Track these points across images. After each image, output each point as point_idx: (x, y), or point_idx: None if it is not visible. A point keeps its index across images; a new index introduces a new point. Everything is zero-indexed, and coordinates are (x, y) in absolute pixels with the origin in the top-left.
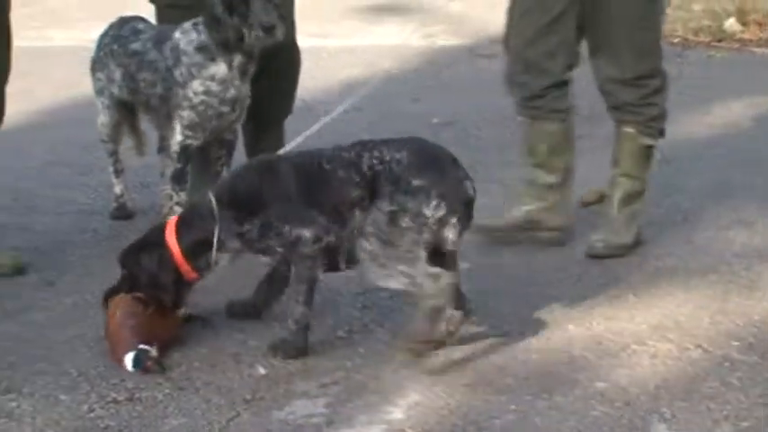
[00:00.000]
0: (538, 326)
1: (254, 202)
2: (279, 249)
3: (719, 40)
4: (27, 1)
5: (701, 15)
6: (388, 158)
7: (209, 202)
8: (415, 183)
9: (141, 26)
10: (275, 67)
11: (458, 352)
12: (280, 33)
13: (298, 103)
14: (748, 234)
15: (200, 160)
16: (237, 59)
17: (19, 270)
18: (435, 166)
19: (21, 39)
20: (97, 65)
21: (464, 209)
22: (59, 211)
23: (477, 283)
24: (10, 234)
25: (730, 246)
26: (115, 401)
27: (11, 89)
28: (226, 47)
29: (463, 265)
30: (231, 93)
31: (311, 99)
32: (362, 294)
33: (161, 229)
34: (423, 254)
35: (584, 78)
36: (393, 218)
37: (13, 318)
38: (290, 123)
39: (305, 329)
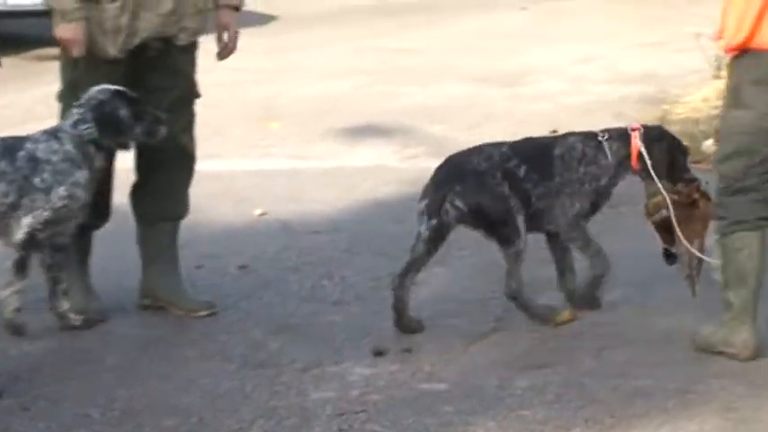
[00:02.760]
0: None
1: None
2: None
3: (698, 162)
4: None
5: (679, 136)
6: None
7: None
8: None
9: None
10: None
11: None
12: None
13: (277, 224)
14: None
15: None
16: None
17: None
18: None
19: None
20: None
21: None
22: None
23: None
24: None
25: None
26: None
27: None
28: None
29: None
30: None
31: (294, 221)
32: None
33: None
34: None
35: None
36: None
37: None
38: (269, 244)
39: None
